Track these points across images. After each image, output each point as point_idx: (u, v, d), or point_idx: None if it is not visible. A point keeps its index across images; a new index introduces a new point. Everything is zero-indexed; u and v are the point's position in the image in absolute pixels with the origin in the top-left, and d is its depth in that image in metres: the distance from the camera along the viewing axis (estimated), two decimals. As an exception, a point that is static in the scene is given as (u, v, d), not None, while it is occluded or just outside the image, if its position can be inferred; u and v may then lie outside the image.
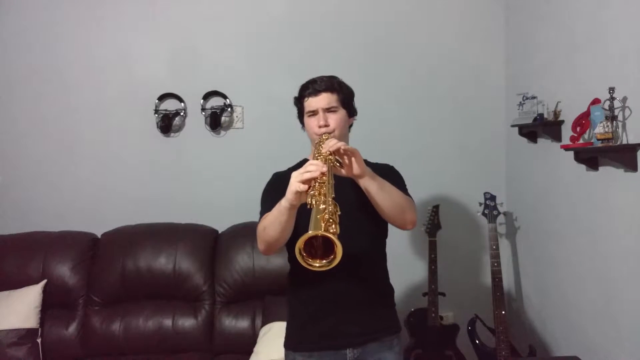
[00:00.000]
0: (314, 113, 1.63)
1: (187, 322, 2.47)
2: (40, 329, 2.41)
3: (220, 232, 2.72)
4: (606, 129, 1.91)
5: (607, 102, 1.91)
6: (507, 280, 2.86)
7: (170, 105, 2.83)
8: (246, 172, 2.81)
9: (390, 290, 1.72)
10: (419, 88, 2.94)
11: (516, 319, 2.85)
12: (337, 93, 1.63)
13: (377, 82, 2.90)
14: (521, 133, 2.68)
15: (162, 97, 2.82)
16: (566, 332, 2.38)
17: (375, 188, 1.47)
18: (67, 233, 2.65)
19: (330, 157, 1.41)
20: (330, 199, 1.23)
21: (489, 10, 2.95)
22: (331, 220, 1.18)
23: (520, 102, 2.60)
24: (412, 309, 2.76)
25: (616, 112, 1.91)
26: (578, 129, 2.15)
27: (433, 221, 2.73)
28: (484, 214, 2.62)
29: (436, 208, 2.76)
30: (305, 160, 1.67)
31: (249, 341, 2.37)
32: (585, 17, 2.15)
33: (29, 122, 2.80)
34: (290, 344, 1.66)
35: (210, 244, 2.63)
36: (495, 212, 2.60)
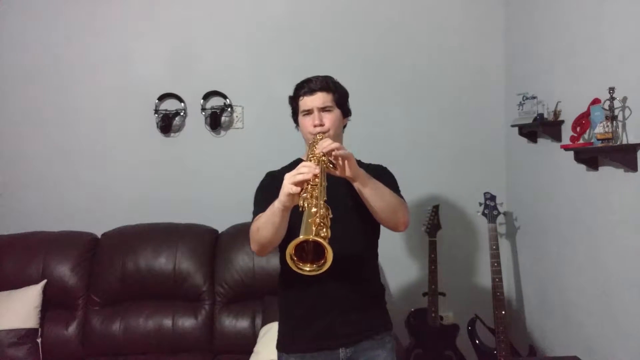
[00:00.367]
0: (308, 112, 1.63)
1: (187, 322, 2.47)
2: (40, 329, 2.41)
3: (220, 232, 2.72)
4: (606, 129, 1.90)
5: (607, 102, 1.90)
6: (507, 280, 2.85)
7: (170, 105, 2.84)
8: (246, 172, 2.76)
9: (382, 289, 1.72)
10: (419, 88, 2.94)
11: (516, 319, 2.85)
12: (332, 93, 1.63)
13: (377, 82, 2.90)
14: (521, 133, 2.68)
15: (162, 97, 2.82)
16: (566, 332, 2.37)
17: (368, 190, 1.47)
18: (67, 233, 2.66)
19: (323, 158, 1.41)
20: (322, 202, 1.22)
21: (489, 10, 2.94)
22: (322, 224, 1.17)
23: (520, 102, 2.59)
24: (412, 309, 2.76)
25: (616, 112, 1.91)
26: (578, 129, 2.14)
27: (433, 221, 2.73)
28: (484, 214, 2.62)
29: (436, 208, 2.76)
30: (299, 160, 1.67)
31: (249, 341, 2.37)
32: (585, 17, 2.15)
33: (29, 122, 2.81)
34: (283, 345, 1.66)
35: (210, 244, 2.64)
36: (495, 212, 2.60)
